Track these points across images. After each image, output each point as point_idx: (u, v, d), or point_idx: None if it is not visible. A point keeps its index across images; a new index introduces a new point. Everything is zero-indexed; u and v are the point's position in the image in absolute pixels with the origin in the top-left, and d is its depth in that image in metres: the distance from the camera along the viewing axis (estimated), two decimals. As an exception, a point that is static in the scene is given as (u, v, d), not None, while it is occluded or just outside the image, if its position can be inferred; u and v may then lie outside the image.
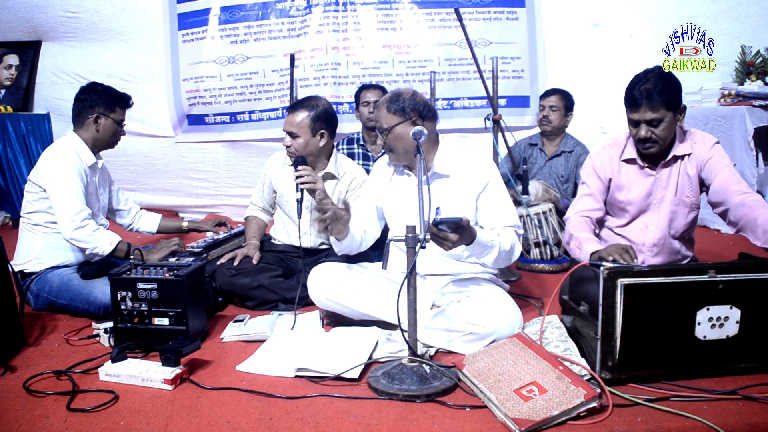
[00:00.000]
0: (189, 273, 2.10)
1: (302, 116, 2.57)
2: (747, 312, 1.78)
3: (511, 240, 2.15)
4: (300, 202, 2.38)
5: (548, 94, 3.66)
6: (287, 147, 2.62)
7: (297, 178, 2.36)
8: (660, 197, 2.31)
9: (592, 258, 2.03)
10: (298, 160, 2.44)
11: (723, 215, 2.24)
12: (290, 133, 2.59)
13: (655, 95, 2.12)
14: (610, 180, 2.36)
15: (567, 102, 3.58)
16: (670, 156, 2.26)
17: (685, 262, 2.41)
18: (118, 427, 1.59)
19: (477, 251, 2.07)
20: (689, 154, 2.26)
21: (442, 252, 2.13)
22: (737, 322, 1.78)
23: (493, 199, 2.22)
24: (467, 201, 2.21)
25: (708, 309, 1.76)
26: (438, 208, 2.18)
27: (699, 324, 1.76)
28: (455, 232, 1.89)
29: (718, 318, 1.77)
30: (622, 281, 1.70)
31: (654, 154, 2.26)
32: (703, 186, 2.29)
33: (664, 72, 2.22)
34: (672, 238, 2.35)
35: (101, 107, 2.57)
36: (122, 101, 2.65)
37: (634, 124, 2.21)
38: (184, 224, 3.08)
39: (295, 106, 2.62)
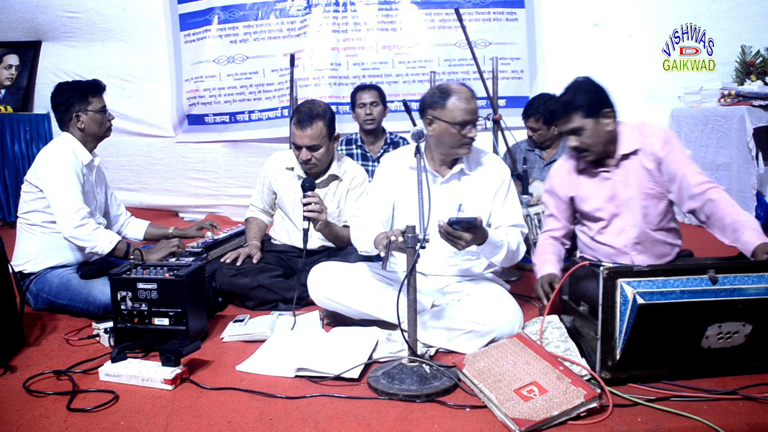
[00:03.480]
0: (189, 273, 2.10)
1: (320, 126, 2.51)
2: (758, 326, 1.75)
3: (517, 239, 2.20)
4: (306, 231, 2.37)
5: (526, 115, 3.52)
6: (306, 161, 2.56)
7: (305, 205, 2.36)
8: (626, 197, 2.32)
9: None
10: (306, 185, 2.40)
11: (692, 212, 2.26)
12: (311, 147, 2.53)
13: (569, 107, 2.21)
14: (572, 197, 2.40)
15: (547, 116, 3.43)
16: (618, 156, 2.29)
17: (674, 252, 2.40)
18: (118, 427, 1.59)
19: (487, 251, 2.12)
20: (640, 150, 2.28)
21: (452, 253, 2.14)
22: (746, 336, 1.76)
23: (505, 198, 2.28)
24: (486, 199, 2.27)
25: (720, 326, 1.73)
26: (460, 205, 2.23)
27: (707, 337, 1.74)
28: (469, 232, 1.93)
29: (728, 332, 1.74)
30: (639, 302, 1.66)
31: (592, 161, 2.31)
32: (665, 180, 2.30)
33: (582, 81, 2.29)
34: (652, 231, 2.35)
35: (76, 104, 2.53)
36: (93, 89, 2.58)
37: (565, 135, 2.30)
38: (171, 230, 3.05)
39: (305, 118, 2.50)
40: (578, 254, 2.56)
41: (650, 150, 2.26)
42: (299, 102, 3.62)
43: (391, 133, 3.69)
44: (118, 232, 2.96)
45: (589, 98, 2.21)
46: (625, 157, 2.29)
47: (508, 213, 2.28)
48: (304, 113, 2.53)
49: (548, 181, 2.47)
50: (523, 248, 2.24)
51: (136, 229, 2.99)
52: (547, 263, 2.29)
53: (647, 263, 2.35)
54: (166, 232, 3.03)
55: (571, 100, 2.22)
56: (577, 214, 2.47)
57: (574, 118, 2.21)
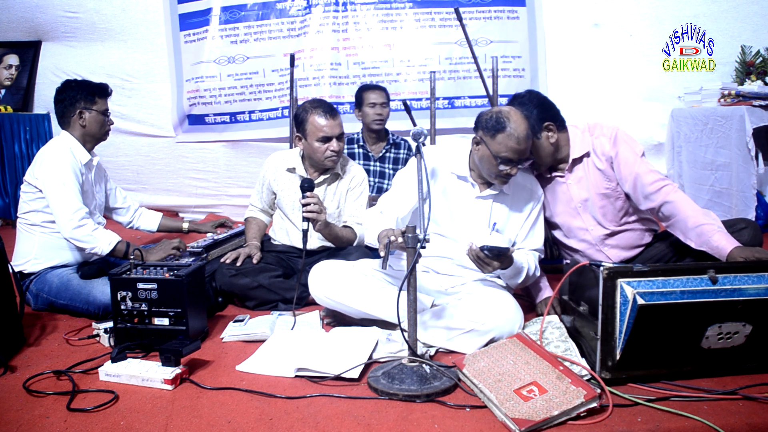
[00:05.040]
0: (189, 273, 2.10)
1: (340, 117, 2.61)
2: (759, 327, 1.75)
3: (535, 264, 2.25)
4: (306, 232, 2.37)
5: None
6: (337, 152, 2.59)
7: (304, 206, 2.36)
8: (582, 199, 2.34)
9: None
10: (305, 185, 2.40)
11: (650, 211, 2.27)
12: (340, 136, 2.59)
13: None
14: None
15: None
16: (570, 161, 2.32)
17: (648, 238, 2.41)
18: (118, 427, 1.59)
19: (509, 274, 2.17)
20: (591, 151, 2.29)
21: (459, 263, 2.22)
22: (746, 336, 1.76)
23: (535, 223, 2.30)
24: (519, 221, 2.28)
25: (720, 326, 1.73)
26: (494, 224, 2.24)
27: (707, 338, 1.74)
28: (498, 259, 1.97)
29: (728, 333, 1.74)
30: (639, 302, 1.66)
31: (545, 170, 2.36)
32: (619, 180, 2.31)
33: (522, 97, 2.32)
34: (615, 227, 2.36)
35: (82, 102, 2.56)
36: (100, 91, 2.63)
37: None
38: (185, 225, 3.08)
39: (330, 108, 2.59)
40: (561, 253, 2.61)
41: (601, 150, 2.28)
42: (299, 102, 3.63)
43: (393, 134, 3.69)
44: (130, 224, 2.98)
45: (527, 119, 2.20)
46: (578, 160, 2.31)
47: (534, 238, 2.30)
48: (326, 105, 2.60)
49: None
50: (538, 272, 2.29)
51: (150, 221, 3.01)
52: (542, 284, 2.36)
53: (621, 255, 2.38)
54: (180, 226, 3.06)
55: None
56: None
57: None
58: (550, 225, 2.49)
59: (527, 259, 2.23)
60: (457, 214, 2.25)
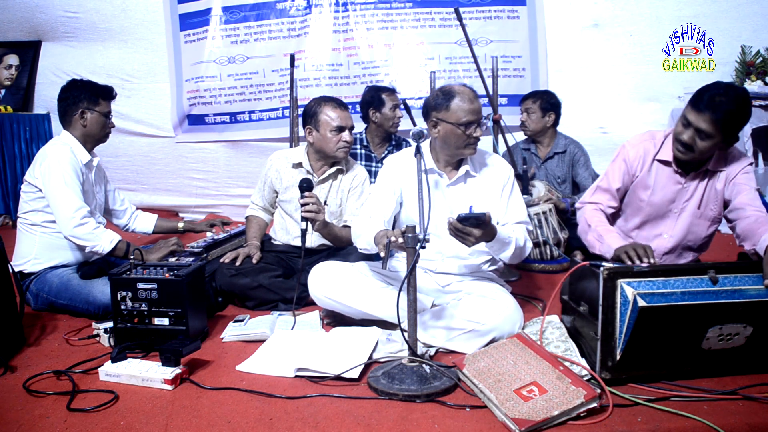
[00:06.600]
0: (189, 273, 2.10)
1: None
2: (759, 328, 1.75)
3: (524, 236, 2.22)
4: (304, 232, 2.39)
5: (524, 98, 3.62)
6: (348, 143, 2.66)
7: (303, 205, 2.37)
8: (681, 207, 2.29)
9: (616, 253, 2.04)
10: (304, 185, 2.41)
11: (734, 229, 2.23)
12: (350, 128, 2.67)
13: (722, 112, 2.02)
14: (636, 177, 2.31)
15: (544, 103, 3.49)
16: (703, 169, 2.24)
17: None
18: (118, 427, 1.59)
19: (496, 248, 2.13)
20: (720, 171, 2.24)
21: (468, 254, 2.19)
22: (746, 337, 1.76)
23: (510, 196, 2.30)
24: (494, 198, 2.28)
25: (721, 328, 1.73)
26: (471, 207, 2.22)
27: (708, 339, 1.74)
28: (478, 228, 1.94)
29: (729, 334, 1.74)
30: (639, 304, 1.65)
31: (684, 161, 2.21)
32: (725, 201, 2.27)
33: (744, 96, 2.10)
34: (686, 248, 2.33)
35: (85, 102, 2.56)
36: (105, 93, 2.63)
37: (685, 123, 2.11)
38: (180, 225, 3.07)
39: (340, 101, 2.69)
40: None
41: (728, 171, 2.23)
42: (299, 102, 3.62)
43: (394, 135, 3.67)
44: (126, 227, 2.97)
45: (739, 121, 2.07)
46: (703, 174, 2.25)
47: (514, 210, 2.29)
48: (337, 99, 2.71)
49: (621, 153, 2.34)
50: (529, 244, 2.25)
51: (146, 223, 3.01)
52: (615, 236, 2.18)
53: None
54: (176, 226, 3.05)
55: (729, 110, 2.02)
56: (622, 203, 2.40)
57: (714, 124, 2.03)
58: (633, 208, 2.36)
59: (513, 231, 2.19)
60: (434, 206, 2.24)
